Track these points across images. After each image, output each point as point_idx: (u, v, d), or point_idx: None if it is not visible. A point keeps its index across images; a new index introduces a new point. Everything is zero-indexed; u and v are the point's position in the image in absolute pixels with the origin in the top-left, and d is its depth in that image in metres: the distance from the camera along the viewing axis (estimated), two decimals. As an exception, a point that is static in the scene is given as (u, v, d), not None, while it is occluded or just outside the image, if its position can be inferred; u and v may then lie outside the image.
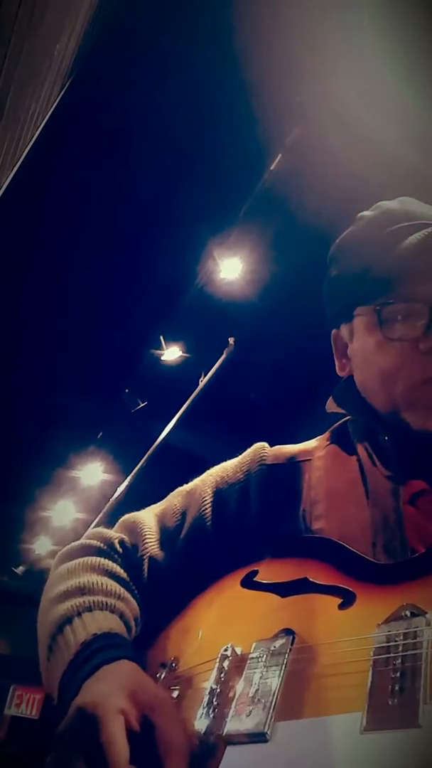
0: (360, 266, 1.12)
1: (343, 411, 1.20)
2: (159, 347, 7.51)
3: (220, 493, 1.17)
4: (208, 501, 1.16)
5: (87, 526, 9.24)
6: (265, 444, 1.24)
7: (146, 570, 1.13)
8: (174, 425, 7.61)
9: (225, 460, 1.25)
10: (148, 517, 1.19)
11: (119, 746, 0.81)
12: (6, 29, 5.14)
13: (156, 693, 0.89)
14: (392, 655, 0.77)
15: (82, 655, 0.94)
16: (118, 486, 8.54)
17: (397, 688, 0.74)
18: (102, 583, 1.06)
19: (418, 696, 0.72)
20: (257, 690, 0.85)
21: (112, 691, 0.86)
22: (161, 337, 7.43)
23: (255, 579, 1.01)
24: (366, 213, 1.19)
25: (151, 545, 1.14)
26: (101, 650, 0.93)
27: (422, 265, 1.05)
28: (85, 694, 0.88)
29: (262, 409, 7.31)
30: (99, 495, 9.30)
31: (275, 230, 6.04)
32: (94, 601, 1.02)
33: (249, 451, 1.23)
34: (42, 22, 5.00)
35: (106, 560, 1.12)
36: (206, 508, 1.16)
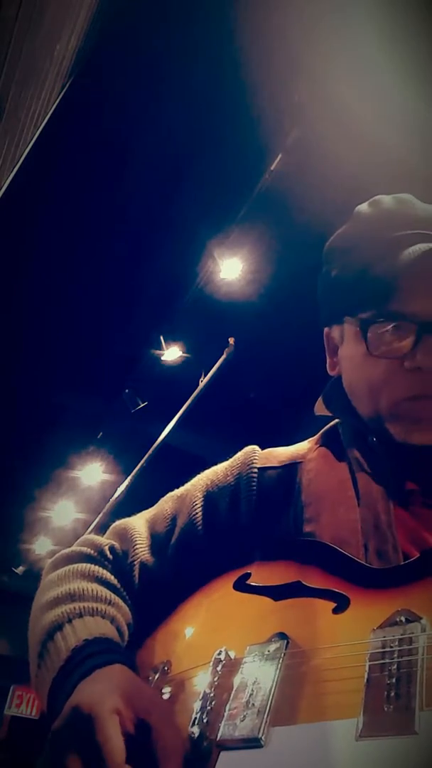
0: (353, 272, 1.10)
1: (330, 414, 1.19)
2: (159, 347, 7.51)
3: (211, 497, 1.17)
4: (199, 505, 1.16)
5: (87, 526, 9.23)
6: (256, 447, 1.23)
7: (137, 576, 1.12)
8: (174, 425, 7.61)
9: (225, 460, 1.24)
10: (138, 523, 1.19)
11: (115, 745, 0.80)
12: (6, 30, 5.14)
13: (151, 696, 0.89)
14: (387, 660, 0.76)
15: (74, 660, 0.94)
16: (118, 486, 8.52)
17: (392, 694, 0.73)
18: (92, 590, 1.06)
19: (413, 702, 0.72)
20: (251, 695, 0.85)
21: (106, 692, 0.85)
22: (161, 337, 7.43)
23: (247, 582, 1.00)
24: (363, 209, 1.15)
25: (142, 551, 1.14)
26: (93, 655, 0.93)
27: (415, 281, 1.02)
28: (79, 695, 0.87)
29: (262, 409, 7.31)
30: (99, 495, 9.29)
31: (275, 230, 6.04)
32: (84, 607, 1.02)
33: (239, 454, 1.22)
34: (42, 22, 5.00)
35: (96, 567, 1.12)
36: (197, 513, 1.15)
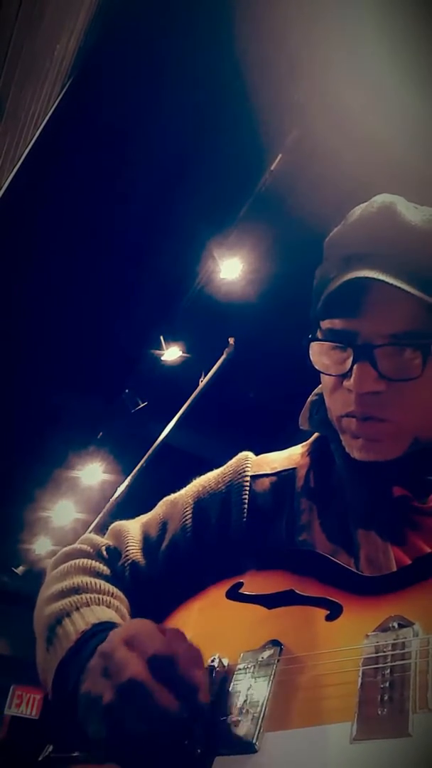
0: (320, 279, 1.08)
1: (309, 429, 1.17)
2: (159, 347, 7.52)
3: (202, 504, 1.17)
4: (189, 512, 1.16)
5: (87, 526, 9.25)
6: (249, 453, 1.22)
7: (129, 577, 1.13)
8: (174, 425, 7.62)
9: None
10: (133, 527, 1.20)
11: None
12: (6, 29, 5.15)
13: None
14: (381, 665, 0.77)
15: (82, 640, 0.95)
16: (118, 486, 8.54)
17: (386, 698, 0.74)
18: (95, 583, 1.08)
19: (407, 706, 0.72)
20: (245, 701, 0.85)
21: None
22: (161, 337, 7.44)
23: (240, 591, 1.00)
24: (351, 213, 1.11)
25: (133, 553, 1.15)
26: (102, 632, 0.93)
27: (360, 305, 1.00)
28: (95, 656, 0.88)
29: (262, 409, 7.31)
30: (99, 495, 9.31)
31: (275, 230, 6.04)
32: (90, 598, 1.04)
33: (232, 461, 1.22)
34: (42, 22, 5.01)
35: (96, 563, 1.14)
36: (187, 519, 1.15)
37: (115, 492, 8.57)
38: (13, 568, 11.23)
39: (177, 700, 0.80)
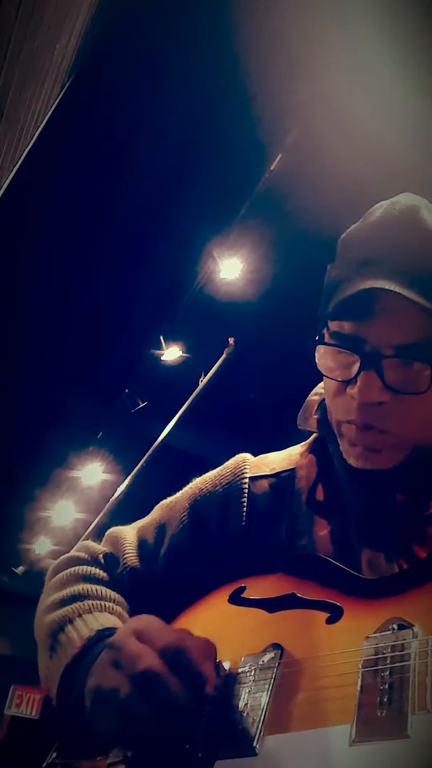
0: (332, 280, 1.05)
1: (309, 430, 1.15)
2: (159, 347, 7.52)
3: (199, 507, 1.15)
4: (187, 515, 1.15)
5: (87, 526, 9.26)
6: (247, 455, 1.20)
7: (128, 584, 1.12)
8: (174, 425, 7.62)
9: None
10: (129, 532, 1.19)
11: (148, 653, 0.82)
12: (6, 29, 5.14)
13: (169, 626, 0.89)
14: (380, 667, 0.76)
15: (87, 646, 0.94)
16: (118, 486, 8.54)
17: (385, 699, 0.74)
18: (96, 590, 1.07)
19: (406, 707, 0.72)
20: (246, 704, 0.85)
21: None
22: (161, 337, 7.44)
23: (242, 595, 1.00)
24: (370, 212, 1.07)
25: (131, 559, 1.14)
26: (106, 638, 0.92)
27: (372, 312, 0.97)
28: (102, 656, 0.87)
29: (262, 409, 7.31)
30: (99, 495, 9.32)
31: (275, 230, 6.04)
32: (92, 605, 1.03)
33: (229, 462, 1.20)
34: (42, 22, 5.00)
35: (96, 569, 1.13)
36: (185, 522, 1.14)
37: (115, 492, 8.57)
38: (13, 568, 11.23)
39: (188, 692, 0.80)
